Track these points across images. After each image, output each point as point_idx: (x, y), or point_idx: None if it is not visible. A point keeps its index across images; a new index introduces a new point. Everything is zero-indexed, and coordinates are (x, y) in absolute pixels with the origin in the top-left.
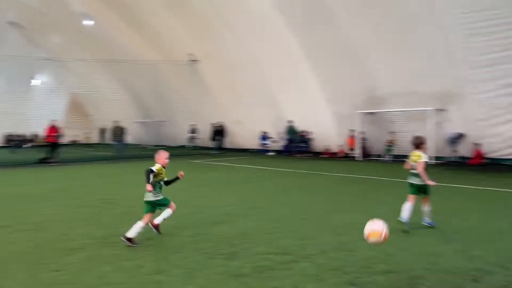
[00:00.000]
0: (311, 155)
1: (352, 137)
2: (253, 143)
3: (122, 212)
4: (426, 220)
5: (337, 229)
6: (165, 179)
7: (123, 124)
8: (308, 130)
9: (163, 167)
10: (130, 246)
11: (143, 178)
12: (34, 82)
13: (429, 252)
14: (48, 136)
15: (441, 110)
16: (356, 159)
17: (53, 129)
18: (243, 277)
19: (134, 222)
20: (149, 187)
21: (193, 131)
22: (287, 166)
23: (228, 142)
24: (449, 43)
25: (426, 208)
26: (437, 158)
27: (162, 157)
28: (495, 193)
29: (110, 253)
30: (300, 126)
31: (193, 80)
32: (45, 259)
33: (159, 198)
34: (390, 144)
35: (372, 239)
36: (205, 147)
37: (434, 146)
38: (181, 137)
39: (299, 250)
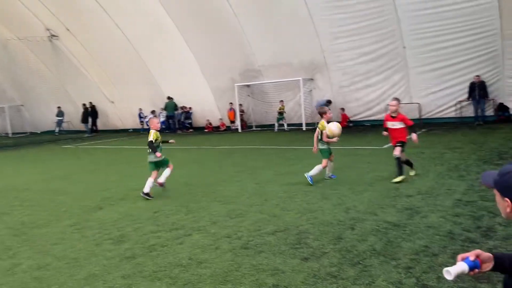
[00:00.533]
0: (193, 130)
1: (232, 110)
2: (132, 122)
3: None
4: (329, 174)
5: (225, 199)
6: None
7: None
8: (188, 105)
9: (158, 130)
10: (148, 199)
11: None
12: None
13: (311, 209)
14: None
15: (310, 79)
16: (239, 131)
17: None
18: (135, 258)
19: None
20: (158, 154)
21: (60, 113)
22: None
23: (101, 124)
24: (312, 16)
25: (331, 164)
26: (307, 124)
27: (155, 122)
28: (359, 150)
29: None
30: (180, 102)
31: (56, 58)
32: None
33: (161, 158)
34: (281, 112)
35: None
36: (77, 130)
37: (306, 113)
38: (48, 121)
39: (190, 224)
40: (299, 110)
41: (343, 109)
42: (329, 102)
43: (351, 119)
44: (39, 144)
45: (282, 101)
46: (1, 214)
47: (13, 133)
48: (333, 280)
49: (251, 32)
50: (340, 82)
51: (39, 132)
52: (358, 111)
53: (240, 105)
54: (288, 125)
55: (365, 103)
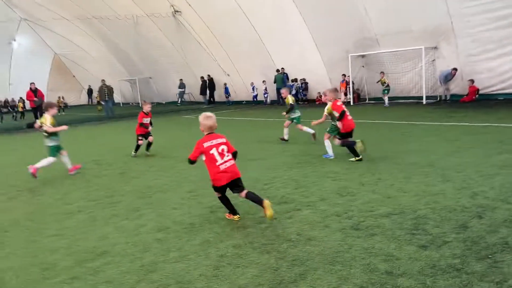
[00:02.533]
0: (306, 103)
1: (344, 82)
2: (244, 94)
3: (116, 173)
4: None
5: (335, 175)
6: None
7: (110, 83)
8: (300, 78)
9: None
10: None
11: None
12: (14, 45)
13: (430, 192)
14: (30, 100)
15: (433, 47)
16: (351, 104)
17: (32, 93)
18: (246, 229)
19: (129, 182)
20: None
21: (182, 85)
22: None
23: (218, 95)
24: None
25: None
26: (428, 97)
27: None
28: (489, 128)
29: (109, 214)
30: (291, 74)
31: (179, 32)
32: (44, 224)
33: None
34: (386, 84)
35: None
36: (196, 101)
37: (427, 85)
38: (171, 93)
39: (300, 198)
40: (419, 82)
41: (472, 81)
42: (455, 70)
43: (482, 92)
44: (165, 114)
45: (382, 72)
46: (132, 178)
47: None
48: (456, 273)
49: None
50: (469, 51)
51: (164, 103)
52: (490, 83)
53: (354, 77)
54: (407, 98)
55: (499, 74)
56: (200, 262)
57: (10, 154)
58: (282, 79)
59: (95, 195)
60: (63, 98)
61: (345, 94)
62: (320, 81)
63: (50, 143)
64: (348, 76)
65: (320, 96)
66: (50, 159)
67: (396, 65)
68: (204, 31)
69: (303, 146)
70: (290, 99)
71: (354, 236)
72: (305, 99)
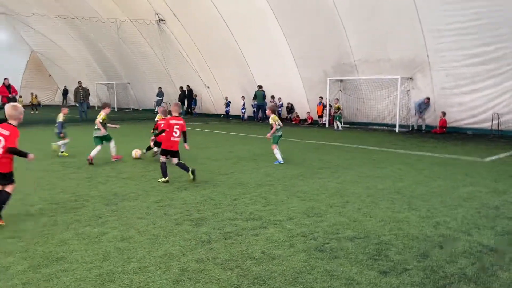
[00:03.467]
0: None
1: (321, 104)
2: (223, 107)
3: (83, 177)
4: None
5: (305, 195)
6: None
7: (87, 85)
8: (277, 95)
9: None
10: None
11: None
12: None
13: (395, 218)
14: (2, 96)
15: (409, 78)
16: (326, 127)
17: (5, 88)
18: (211, 243)
19: (95, 187)
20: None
21: (160, 93)
22: (254, 132)
23: (196, 107)
24: (418, 10)
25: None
26: (401, 126)
27: (107, 108)
28: (457, 160)
29: (72, 219)
30: (269, 91)
31: (161, 41)
32: (1, 226)
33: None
34: (339, 111)
35: None
36: None
37: (400, 113)
38: (149, 100)
39: (267, 216)
40: (393, 110)
41: (444, 113)
42: (428, 100)
43: (453, 125)
44: (139, 121)
45: (337, 99)
46: (97, 183)
47: (118, 108)
48: None
49: (350, 24)
50: (443, 84)
51: (140, 109)
52: (460, 117)
53: (331, 100)
54: (381, 124)
55: (469, 108)
56: (160, 275)
57: None
58: (262, 96)
59: (59, 198)
60: (36, 96)
61: (321, 117)
62: (299, 101)
63: (95, 134)
64: (326, 99)
65: (297, 116)
66: (98, 148)
67: (373, 92)
68: (187, 41)
69: (276, 165)
70: (274, 119)
71: (317, 257)
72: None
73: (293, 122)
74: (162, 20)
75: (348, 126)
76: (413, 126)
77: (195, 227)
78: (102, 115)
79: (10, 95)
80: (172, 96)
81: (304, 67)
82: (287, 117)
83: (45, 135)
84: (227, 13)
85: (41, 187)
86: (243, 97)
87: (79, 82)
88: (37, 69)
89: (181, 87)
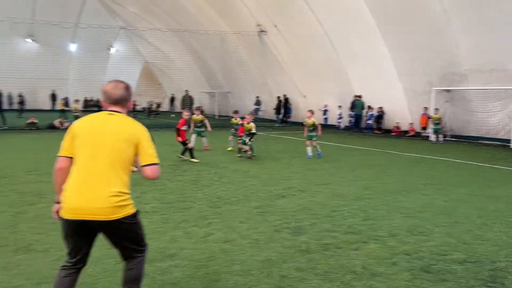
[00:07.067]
0: (380, 132)
1: (425, 115)
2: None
3: (190, 179)
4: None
5: (408, 211)
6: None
7: (191, 93)
8: (377, 106)
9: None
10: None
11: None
12: (111, 50)
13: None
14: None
15: None
16: (430, 139)
17: None
18: (310, 253)
19: (201, 189)
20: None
21: (258, 103)
22: (351, 143)
23: (292, 116)
24: None
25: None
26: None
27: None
28: None
29: (180, 218)
30: (368, 101)
31: (261, 51)
32: None
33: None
34: (439, 122)
35: None
36: (269, 119)
37: None
38: (246, 109)
39: (367, 231)
40: (508, 124)
41: None
42: None
43: None
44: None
45: (437, 109)
46: (202, 186)
47: (219, 115)
48: None
49: (459, 31)
50: None
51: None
52: None
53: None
54: (493, 139)
55: None
56: (262, 280)
57: None
58: (361, 105)
59: (169, 198)
60: (158, 105)
61: (424, 128)
62: (399, 111)
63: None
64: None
65: (398, 127)
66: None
67: (484, 103)
68: (286, 52)
69: (375, 175)
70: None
71: (423, 278)
72: (376, 128)
73: (393, 133)
74: (263, 31)
75: (454, 139)
76: None
77: (294, 235)
78: (195, 117)
79: None
80: (268, 105)
81: (407, 76)
82: (371, 126)
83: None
84: (327, 23)
85: (154, 186)
86: (340, 106)
87: (186, 90)
88: (148, 78)
89: (278, 97)
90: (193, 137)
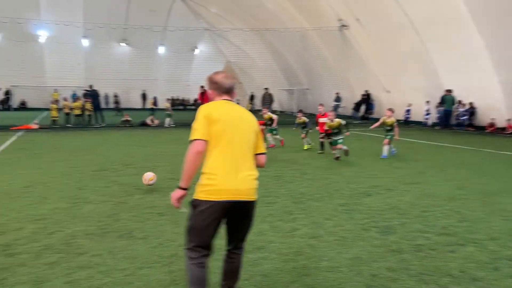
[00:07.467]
0: (472, 129)
1: None
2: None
3: (272, 175)
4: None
5: (509, 214)
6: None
7: (271, 91)
8: (469, 101)
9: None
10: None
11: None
12: (195, 51)
13: None
14: (201, 101)
15: None
16: None
17: (200, 95)
18: (401, 254)
19: (283, 185)
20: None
21: (338, 99)
22: (441, 140)
23: (375, 112)
24: None
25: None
26: None
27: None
28: None
29: (266, 213)
30: (459, 96)
31: (342, 46)
32: None
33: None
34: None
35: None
36: (349, 115)
37: None
38: (325, 105)
39: (464, 233)
40: None
41: None
42: None
43: None
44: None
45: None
46: (285, 182)
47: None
48: None
49: None
50: None
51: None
52: None
53: None
54: None
55: None
56: (352, 277)
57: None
58: (452, 100)
59: None
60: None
61: None
62: (495, 107)
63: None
64: None
65: (493, 124)
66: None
67: None
68: (368, 45)
69: (469, 175)
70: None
71: None
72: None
73: (487, 130)
74: (345, 26)
75: None
76: None
77: (383, 235)
78: (268, 115)
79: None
80: (349, 101)
81: (504, 68)
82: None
83: None
84: (414, 15)
85: None
86: (428, 101)
87: (265, 88)
88: None
89: (364, 92)
90: (269, 136)
